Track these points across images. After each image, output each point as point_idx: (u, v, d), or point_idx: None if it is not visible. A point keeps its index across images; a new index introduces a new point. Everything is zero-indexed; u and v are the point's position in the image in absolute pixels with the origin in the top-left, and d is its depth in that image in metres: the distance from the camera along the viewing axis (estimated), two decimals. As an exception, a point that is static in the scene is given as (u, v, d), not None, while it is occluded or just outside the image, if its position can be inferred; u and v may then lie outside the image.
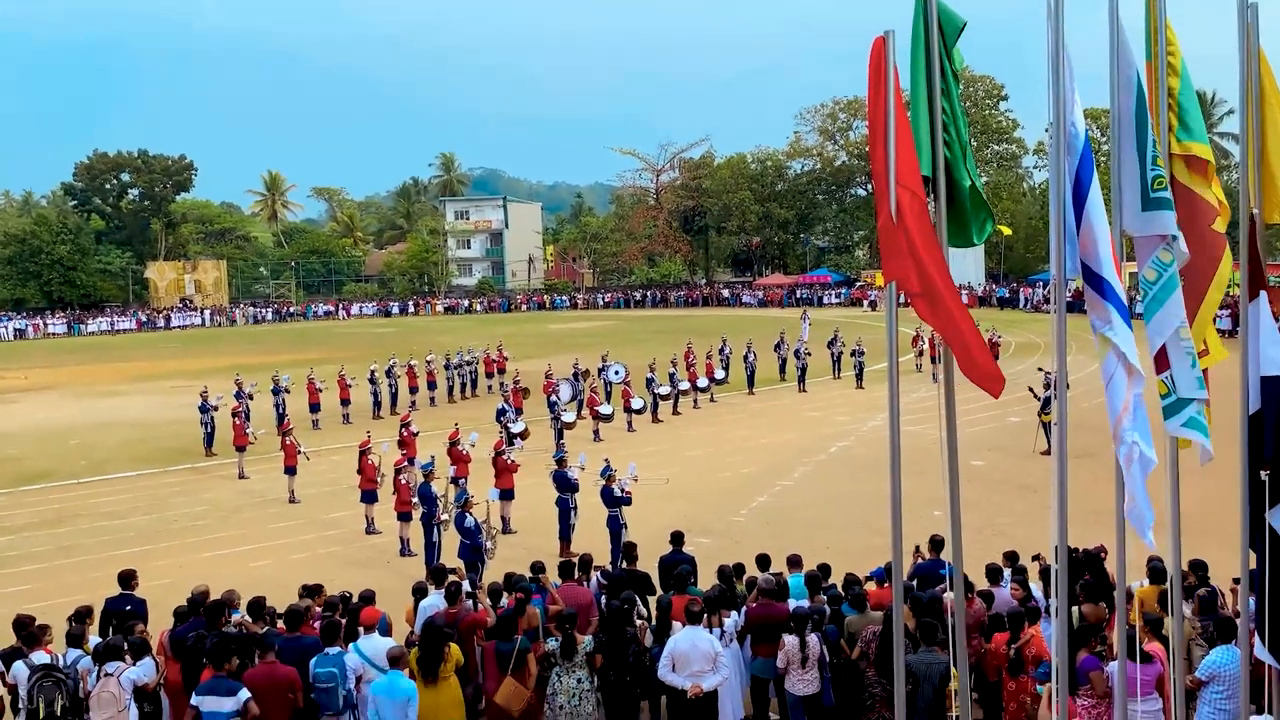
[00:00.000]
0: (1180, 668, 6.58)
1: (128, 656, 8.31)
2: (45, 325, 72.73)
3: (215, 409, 24.78)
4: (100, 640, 8.90)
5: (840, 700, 8.75)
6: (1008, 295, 67.19)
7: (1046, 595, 9.24)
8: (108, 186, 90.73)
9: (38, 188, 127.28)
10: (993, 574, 9.89)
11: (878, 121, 4.57)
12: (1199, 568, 9.50)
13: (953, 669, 5.93)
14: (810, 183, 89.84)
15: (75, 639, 8.83)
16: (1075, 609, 8.36)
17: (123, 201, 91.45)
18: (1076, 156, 4.76)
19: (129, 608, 9.98)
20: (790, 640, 8.68)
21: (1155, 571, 9.50)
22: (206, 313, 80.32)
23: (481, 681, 9.22)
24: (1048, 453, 20.52)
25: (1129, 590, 7.69)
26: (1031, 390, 22.22)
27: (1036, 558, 10.70)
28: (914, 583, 9.91)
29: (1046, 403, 20.91)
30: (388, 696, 7.89)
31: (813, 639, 8.66)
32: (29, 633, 8.73)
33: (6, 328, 71.12)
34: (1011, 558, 10.65)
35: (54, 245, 79.75)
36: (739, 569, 10.75)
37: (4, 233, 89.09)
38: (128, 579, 10.41)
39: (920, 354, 34.05)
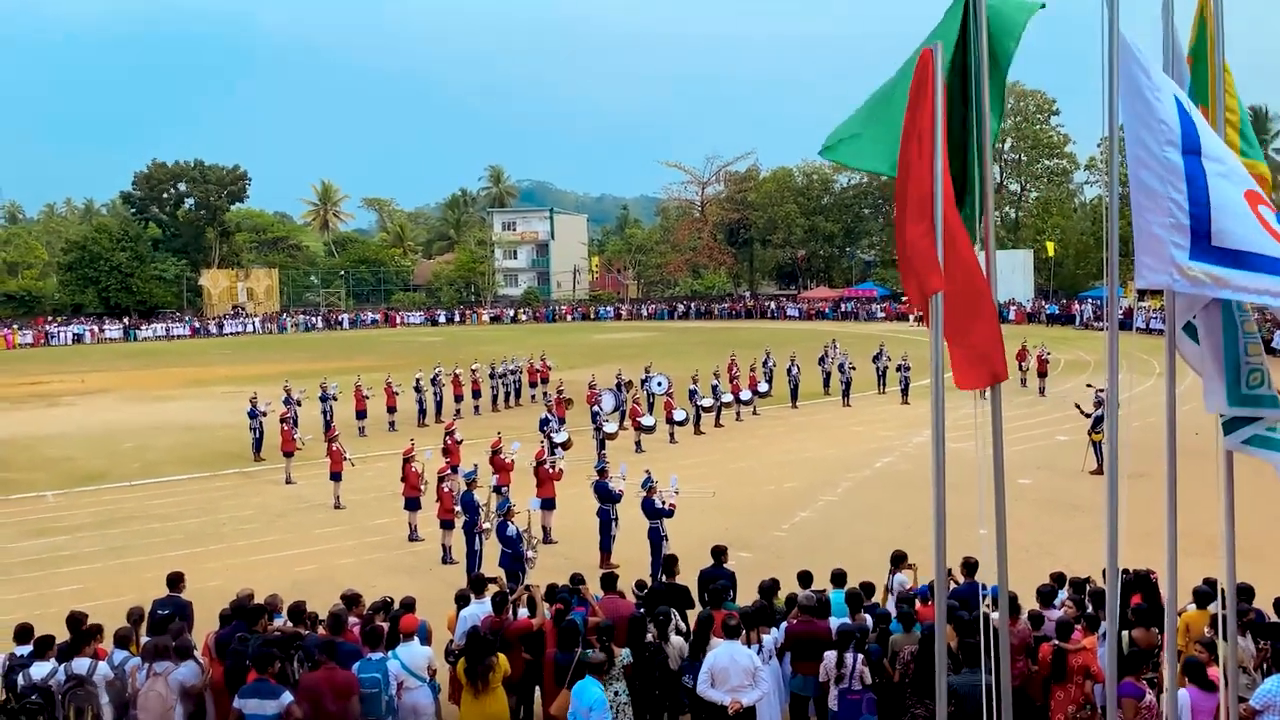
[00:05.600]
0: (1234, 695, 6.40)
1: (174, 657, 8.43)
2: (102, 330, 74.43)
3: (264, 415, 25.15)
4: (149, 639, 9.03)
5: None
6: (1057, 312, 66.13)
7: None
8: (165, 196, 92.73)
9: (99, 195, 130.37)
10: (1045, 596, 9.68)
11: (924, 133, 4.52)
12: (1244, 592, 9.21)
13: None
14: (857, 196, 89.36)
15: (123, 640, 8.97)
16: (1125, 634, 8.17)
17: (179, 210, 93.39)
18: (1179, 150, 4.59)
19: (170, 610, 10.11)
20: (829, 656, 8.59)
21: (1201, 595, 9.23)
22: (257, 320, 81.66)
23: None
24: (1096, 472, 20.14)
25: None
26: (1079, 408, 21.84)
27: (1087, 580, 10.46)
28: (955, 603, 9.74)
29: (1096, 421, 20.52)
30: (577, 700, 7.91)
31: (849, 658, 8.55)
32: (76, 637, 8.83)
33: (65, 332, 72.91)
34: (1059, 579, 10.44)
35: (113, 252, 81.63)
36: (775, 584, 10.65)
37: (66, 240, 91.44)
38: (176, 581, 10.56)
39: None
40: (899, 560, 10.92)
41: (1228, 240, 4.56)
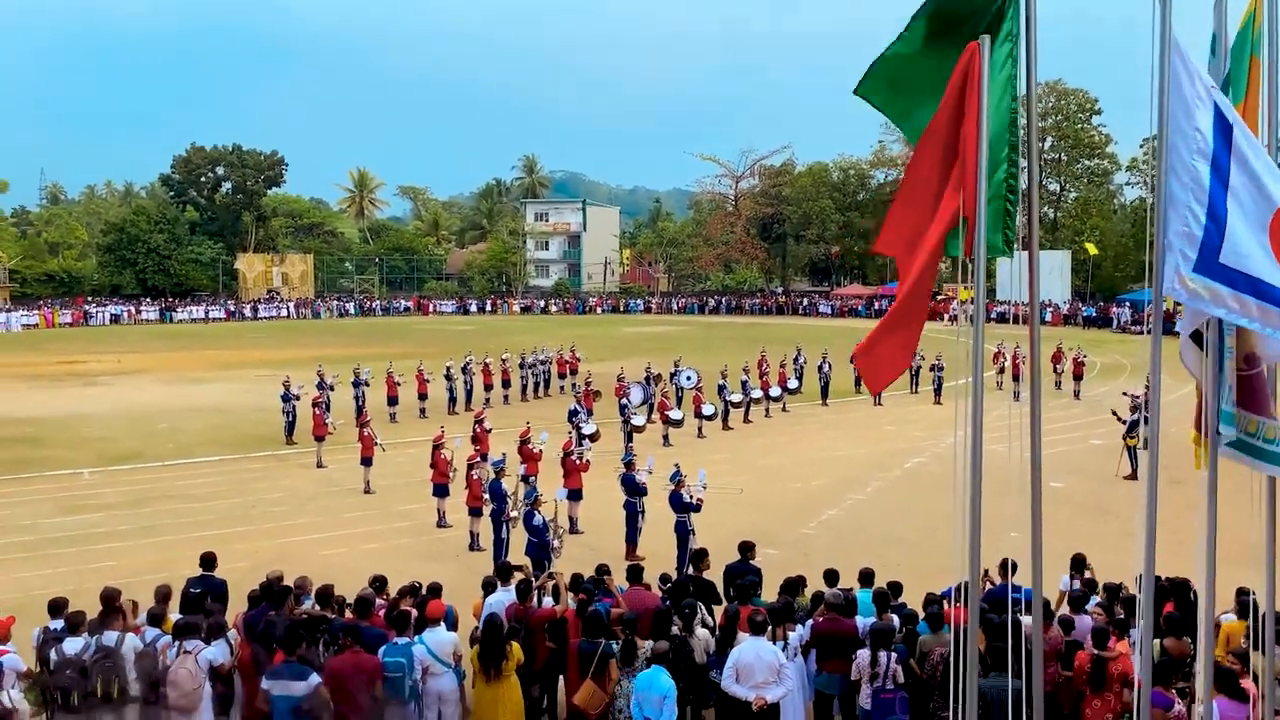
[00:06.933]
0: (1269, 707, 6.28)
1: (205, 635, 8.52)
2: (139, 311, 75.52)
3: (297, 399, 25.35)
4: (180, 617, 9.13)
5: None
6: (1095, 314, 65.24)
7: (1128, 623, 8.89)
8: (203, 179, 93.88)
9: (138, 179, 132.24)
10: (1076, 601, 9.57)
11: (968, 126, 4.44)
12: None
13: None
14: (894, 193, 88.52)
15: (155, 618, 9.08)
16: (1158, 642, 8.04)
17: (216, 194, 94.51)
18: (1207, 162, 4.56)
19: (202, 589, 10.21)
20: (862, 654, 8.55)
21: (1245, 605, 9.07)
22: (291, 305, 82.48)
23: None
24: (1130, 477, 19.87)
25: (1216, 622, 7.36)
26: (1115, 413, 21.56)
27: (1120, 587, 10.30)
28: (986, 605, 9.63)
29: (1132, 426, 20.24)
30: (646, 691, 7.94)
31: (883, 656, 8.49)
32: (107, 611, 8.94)
33: (103, 312, 74.03)
34: (1090, 584, 10.30)
35: (151, 234, 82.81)
36: (800, 581, 10.60)
37: (105, 221, 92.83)
38: (209, 561, 10.67)
39: (1001, 371, 33.27)
40: (1079, 564, 10.72)
41: (1234, 261, 4.56)
